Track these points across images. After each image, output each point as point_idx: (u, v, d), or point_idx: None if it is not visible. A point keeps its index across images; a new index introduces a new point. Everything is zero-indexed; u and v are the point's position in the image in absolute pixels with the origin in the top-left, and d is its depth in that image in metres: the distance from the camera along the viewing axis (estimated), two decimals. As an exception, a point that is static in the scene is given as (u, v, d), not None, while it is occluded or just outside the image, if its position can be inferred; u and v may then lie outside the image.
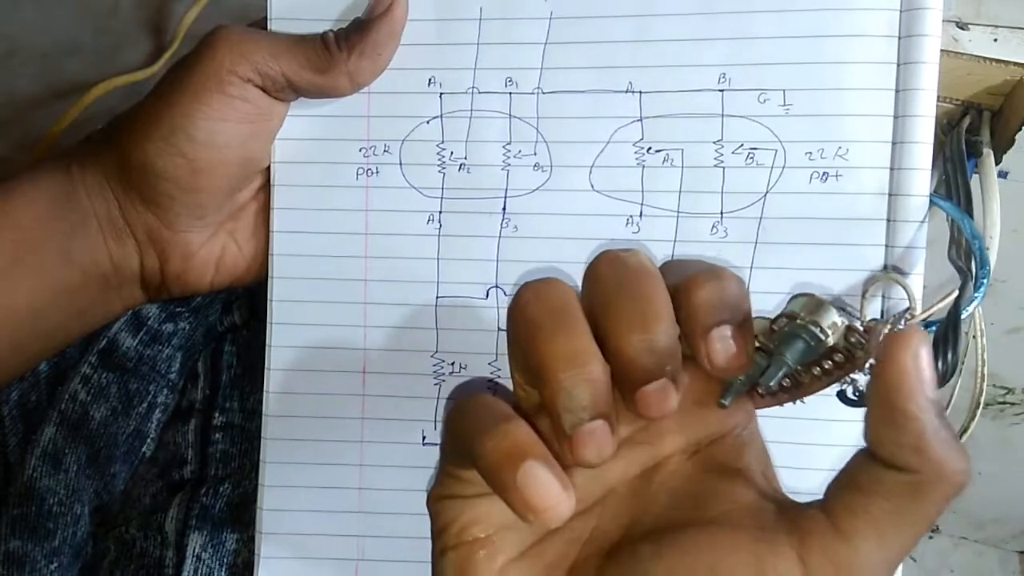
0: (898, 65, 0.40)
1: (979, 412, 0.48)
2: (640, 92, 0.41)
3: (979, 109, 0.49)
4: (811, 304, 0.28)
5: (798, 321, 0.28)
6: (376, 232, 0.43)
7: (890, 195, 0.40)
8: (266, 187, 0.44)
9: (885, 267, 0.40)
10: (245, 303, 0.51)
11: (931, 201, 0.40)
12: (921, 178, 0.39)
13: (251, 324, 0.51)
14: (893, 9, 0.40)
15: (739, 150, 0.41)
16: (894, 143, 0.40)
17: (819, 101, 0.40)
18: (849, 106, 0.40)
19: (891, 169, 0.40)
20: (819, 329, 0.27)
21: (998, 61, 0.47)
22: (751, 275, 0.41)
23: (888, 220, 0.40)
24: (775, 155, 0.41)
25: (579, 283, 0.30)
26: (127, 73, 0.59)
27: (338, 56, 0.41)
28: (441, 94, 0.43)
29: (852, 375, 0.28)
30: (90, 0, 0.62)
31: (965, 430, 0.49)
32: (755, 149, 0.41)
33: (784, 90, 0.40)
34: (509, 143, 0.42)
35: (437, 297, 0.43)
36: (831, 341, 0.28)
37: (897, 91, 0.40)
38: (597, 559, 0.29)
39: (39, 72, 0.62)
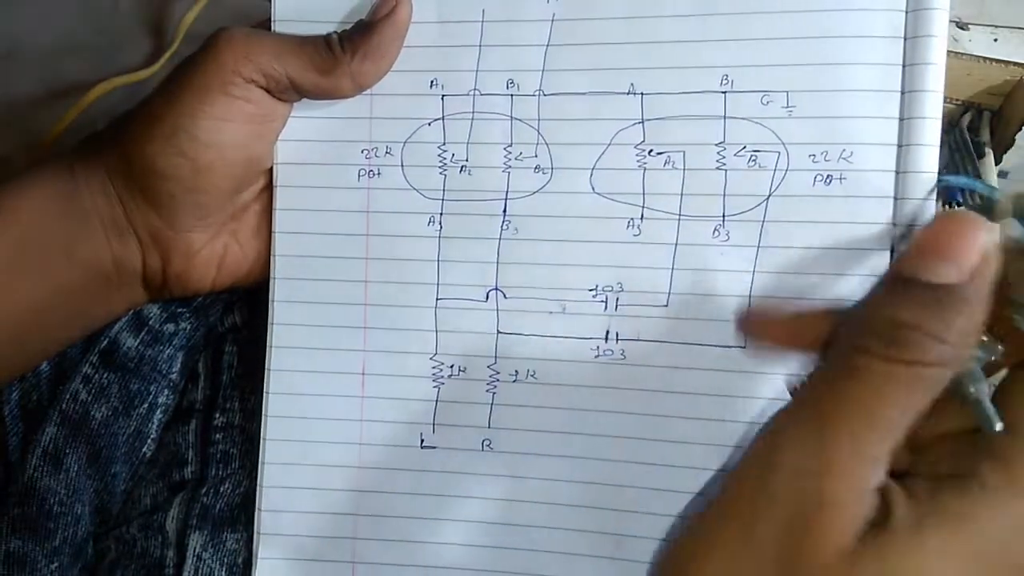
0: (904, 67, 0.39)
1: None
2: (642, 94, 0.41)
3: (979, 109, 0.49)
4: None
5: None
6: (377, 234, 0.43)
7: (896, 199, 0.40)
8: (269, 188, 0.44)
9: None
10: (246, 304, 0.51)
11: (940, 181, 0.39)
12: (927, 182, 0.39)
13: (252, 325, 0.51)
14: (899, 10, 0.39)
15: (741, 152, 0.41)
16: (900, 145, 0.39)
17: (823, 103, 0.40)
18: (854, 108, 0.40)
19: (896, 172, 0.39)
20: None
21: (998, 61, 0.47)
22: (753, 279, 0.41)
23: (894, 224, 0.40)
24: (778, 158, 0.40)
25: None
26: (127, 73, 0.59)
27: (341, 58, 0.41)
28: (443, 96, 0.43)
29: None
30: (90, 0, 0.62)
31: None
32: (758, 151, 0.40)
33: (787, 92, 0.40)
34: (510, 145, 0.42)
35: (437, 299, 0.43)
36: None
37: (903, 93, 0.39)
38: None
39: (39, 72, 0.62)
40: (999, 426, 0.28)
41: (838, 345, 0.29)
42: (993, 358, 0.29)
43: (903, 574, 0.26)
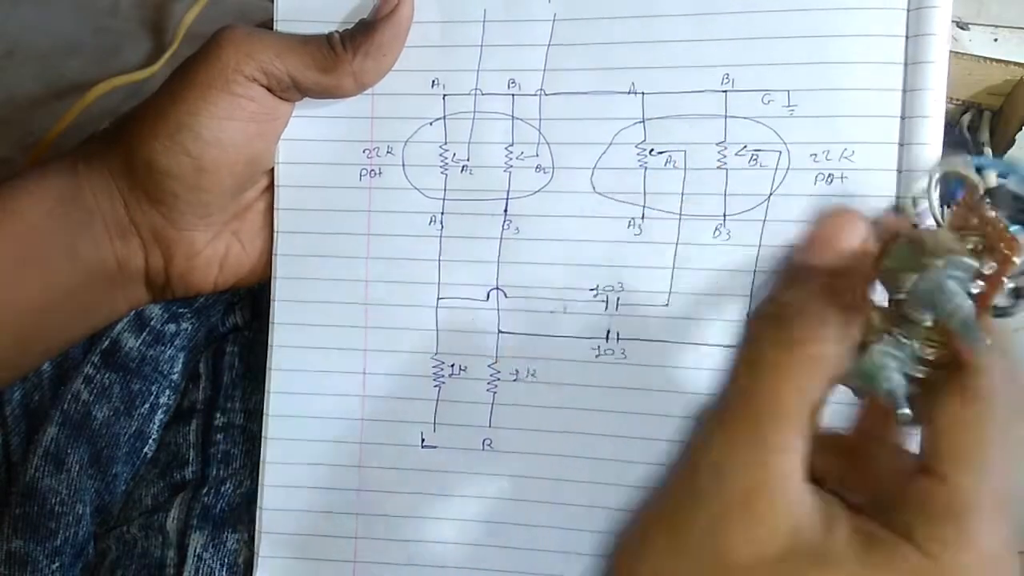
0: (905, 65, 0.39)
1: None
2: (643, 93, 0.41)
3: (979, 109, 0.50)
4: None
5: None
6: (378, 233, 0.43)
7: (897, 198, 0.40)
8: (271, 188, 0.44)
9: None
10: (248, 304, 0.51)
11: (977, 165, 0.39)
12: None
13: (253, 325, 0.51)
14: (900, 8, 0.39)
15: (742, 152, 0.41)
16: (901, 144, 0.39)
17: (824, 102, 0.40)
18: (855, 107, 0.40)
19: (898, 171, 0.39)
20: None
21: (998, 61, 0.47)
22: (754, 279, 0.41)
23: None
24: (779, 157, 0.40)
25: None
26: (127, 73, 0.59)
27: (343, 56, 0.41)
28: (444, 95, 0.43)
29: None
30: (90, 0, 0.62)
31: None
32: (759, 151, 0.40)
33: (788, 91, 0.40)
34: (511, 144, 0.42)
35: (438, 299, 0.43)
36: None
37: (904, 91, 0.39)
38: None
39: (39, 72, 0.62)
40: (906, 411, 0.27)
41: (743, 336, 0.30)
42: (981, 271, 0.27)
43: None
